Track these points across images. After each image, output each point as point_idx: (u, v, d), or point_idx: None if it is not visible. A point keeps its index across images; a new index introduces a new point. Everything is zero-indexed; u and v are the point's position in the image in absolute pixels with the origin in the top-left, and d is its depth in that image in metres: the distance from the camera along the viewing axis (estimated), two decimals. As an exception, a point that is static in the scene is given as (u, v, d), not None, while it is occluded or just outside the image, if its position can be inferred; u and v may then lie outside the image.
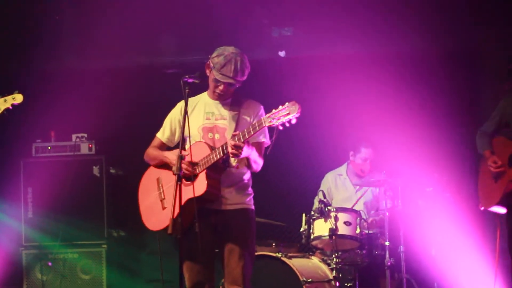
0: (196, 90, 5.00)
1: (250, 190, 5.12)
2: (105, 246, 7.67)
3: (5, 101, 5.54)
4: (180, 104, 5.20)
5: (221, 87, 4.97)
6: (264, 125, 4.55)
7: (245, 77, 5.00)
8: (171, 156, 5.01)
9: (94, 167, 7.71)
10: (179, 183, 4.51)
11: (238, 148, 4.65)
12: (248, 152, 4.79)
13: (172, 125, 5.22)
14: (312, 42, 7.66)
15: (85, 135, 7.84)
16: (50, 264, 7.63)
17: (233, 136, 4.73)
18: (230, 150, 4.67)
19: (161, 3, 7.38)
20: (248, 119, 5.06)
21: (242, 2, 7.38)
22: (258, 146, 5.01)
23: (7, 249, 7.77)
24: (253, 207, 5.13)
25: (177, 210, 4.49)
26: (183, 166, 4.69)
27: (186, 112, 4.76)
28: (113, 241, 7.87)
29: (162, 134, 5.26)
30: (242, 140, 4.67)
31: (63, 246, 7.60)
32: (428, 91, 7.67)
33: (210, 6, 7.31)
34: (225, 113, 5.09)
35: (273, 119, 4.48)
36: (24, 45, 7.75)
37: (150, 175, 5.28)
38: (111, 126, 7.96)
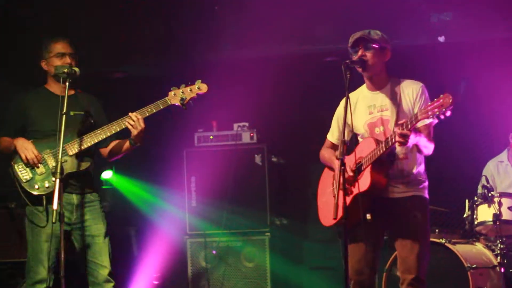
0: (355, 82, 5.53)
1: (422, 178, 5.50)
2: (268, 234, 8.41)
3: (190, 90, 6.03)
4: (343, 102, 5.64)
5: (359, 52, 5.40)
6: (419, 119, 4.97)
7: (378, 38, 5.43)
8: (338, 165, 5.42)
9: (256, 155, 8.52)
10: (343, 167, 4.97)
11: (404, 136, 5.01)
12: (416, 139, 5.13)
13: (339, 124, 5.74)
14: (472, 26, 7.93)
15: (247, 124, 8.64)
16: (214, 252, 8.49)
17: (399, 124, 5.07)
18: (397, 138, 5.03)
19: (318, -10, 7.94)
20: (410, 103, 5.39)
21: (400, -12, 7.78)
22: (426, 128, 5.31)
23: (172, 238, 8.76)
24: (426, 195, 5.51)
25: (341, 199, 4.99)
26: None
27: (348, 97, 5.20)
28: (276, 229, 8.59)
29: (332, 135, 5.84)
30: (409, 127, 5.01)
31: (226, 234, 8.47)
32: None
33: (368, -8, 7.77)
34: (386, 102, 5.48)
35: (427, 112, 4.91)
36: (185, 37, 8.55)
37: (328, 172, 5.83)
38: (272, 114, 8.70)
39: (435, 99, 4.97)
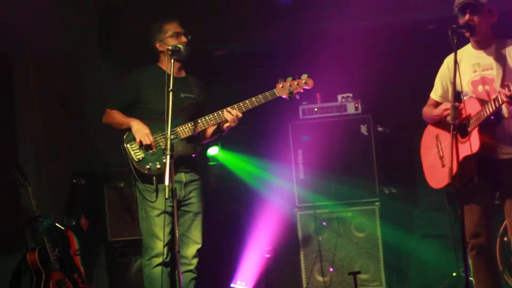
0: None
1: None
2: (378, 203, 8.55)
3: (297, 84, 6.44)
4: (446, 60, 5.91)
5: (466, 16, 5.54)
6: None
7: (486, 1, 5.53)
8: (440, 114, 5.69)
9: (361, 126, 8.63)
10: (455, 132, 5.13)
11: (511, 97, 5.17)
12: None
13: (442, 82, 5.95)
14: None
15: (351, 95, 8.75)
16: (324, 223, 8.69)
17: (505, 85, 5.20)
18: (504, 99, 5.20)
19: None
20: None
21: None
22: None
23: (282, 211, 9.03)
24: None
25: (455, 162, 5.15)
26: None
27: (456, 62, 5.36)
28: (385, 198, 8.73)
29: (435, 93, 6.04)
30: None
31: (336, 205, 8.66)
32: None
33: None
34: (491, 62, 5.63)
35: None
36: (286, 11, 8.77)
37: (429, 133, 6.05)
38: (375, 84, 8.79)
39: None
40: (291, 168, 8.93)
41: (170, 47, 6.22)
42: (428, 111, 6.07)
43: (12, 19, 8.32)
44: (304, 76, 6.50)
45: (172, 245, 6.10)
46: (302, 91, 6.53)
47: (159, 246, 6.41)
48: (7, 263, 7.97)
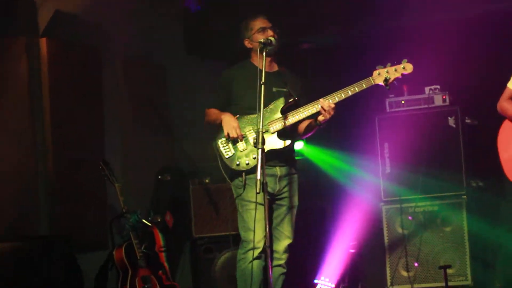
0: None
1: None
2: (465, 197, 8.52)
3: (395, 70, 6.24)
4: None
5: None
6: None
7: None
8: None
9: (449, 118, 8.57)
10: None
11: None
12: None
13: None
14: None
15: (438, 86, 8.70)
16: (410, 218, 8.67)
17: None
18: None
19: None
20: None
21: None
22: None
23: (367, 205, 9.03)
24: None
25: None
26: None
27: None
28: (472, 191, 8.65)
29: None
30: None
31: (422, 199, 8.60)
32: None
33: None
34: None
35: None
36: (371, 2, 8.82)
37: (509, 126, 6.08)
38: (463, 76, 8.72)
39: None
40: (377, 162, 8.94)
41: (262, 40, 6.24)
42: (507, 108, 6.05)
43: (102, 18, 8.55)
44: (404, 61, 6.31)
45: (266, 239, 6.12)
46: (400, 77, 6.30)
47: (255, 239, 6.41)
48: (95, 260, 8.17)
